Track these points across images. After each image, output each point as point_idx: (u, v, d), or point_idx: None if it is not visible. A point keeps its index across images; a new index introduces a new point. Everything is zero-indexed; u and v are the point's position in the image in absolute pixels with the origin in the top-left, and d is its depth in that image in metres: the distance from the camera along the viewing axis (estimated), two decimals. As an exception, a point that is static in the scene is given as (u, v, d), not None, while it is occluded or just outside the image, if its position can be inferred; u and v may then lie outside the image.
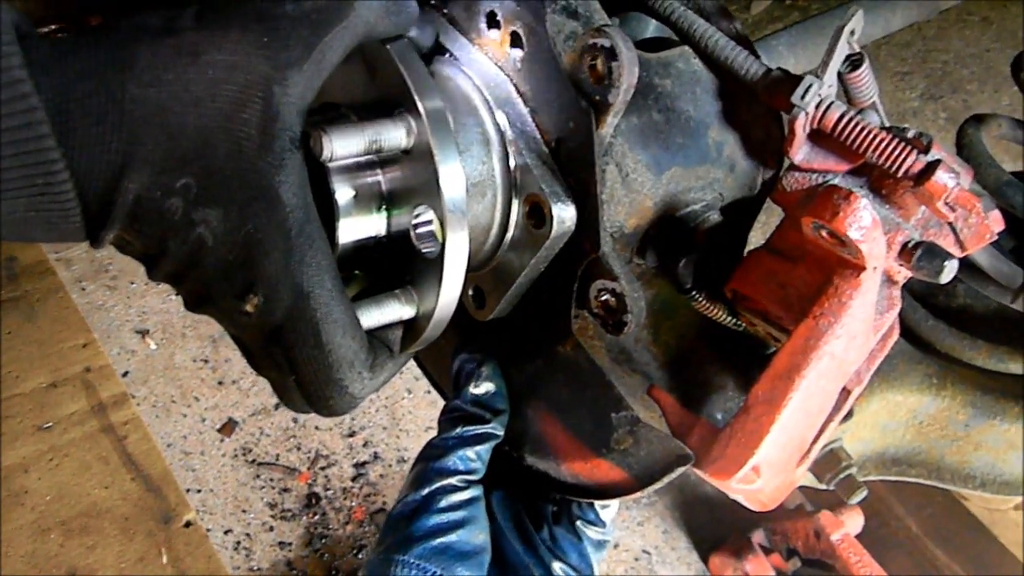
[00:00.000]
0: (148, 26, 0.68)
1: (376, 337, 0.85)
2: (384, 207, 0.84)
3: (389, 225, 0.85)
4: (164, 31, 0.68)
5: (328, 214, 0.80)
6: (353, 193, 0.82)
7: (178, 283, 0.75)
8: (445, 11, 0.91)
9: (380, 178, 0.84)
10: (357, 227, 0.83)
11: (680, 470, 0.88)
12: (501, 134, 0.88)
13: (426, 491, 0.93)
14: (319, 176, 0.79)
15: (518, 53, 0.85)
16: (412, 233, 0.82)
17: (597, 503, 1.07)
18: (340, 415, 0.84)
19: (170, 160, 0.67)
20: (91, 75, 0.64)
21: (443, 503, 0.93)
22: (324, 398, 0.80)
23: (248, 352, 0.82)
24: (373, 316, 0.83)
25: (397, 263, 0.86)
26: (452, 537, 0.91)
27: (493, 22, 0.86)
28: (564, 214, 0.85)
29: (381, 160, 0.83)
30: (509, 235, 0.90)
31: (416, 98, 0.78)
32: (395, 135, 0.79)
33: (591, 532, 1.06)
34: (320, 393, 0.80)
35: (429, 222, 0.81)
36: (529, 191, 0.87)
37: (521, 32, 0.84)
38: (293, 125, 0.71)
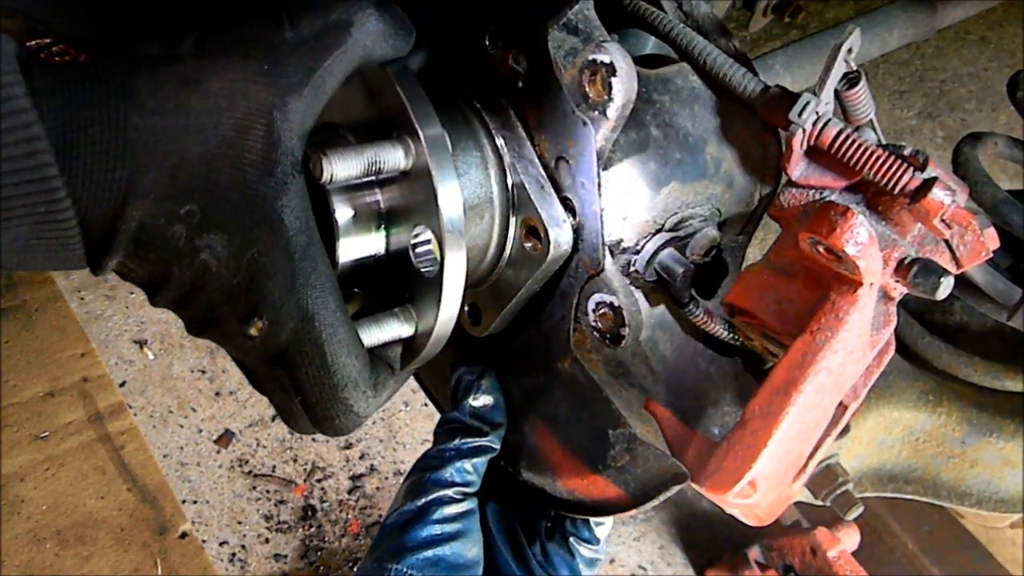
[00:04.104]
0: (149, 55, 0.69)
1: (376, 355, 0.85)
2: (383, 226, 0.85)
3: (388, 244, 0.85)
4: (165, 59, 0.69)
5: (328, 234, 0.80)
6: (352, 213, 0.82)
7: (181, 308, 0.76)
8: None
9: (379, 198, 0.84)
10: (357, 246, 0.83)
11: (676, 488, 0.88)
12: (499, 157, 0.88)
13: (421, 502, 0.93)
14: (319, 196, 0.79)
15: (520, 70, 0.86)
16: (411, 253, 0.83)
17: (591, 520, 1.07)
18: (345, 434, 0.84)
19: (174, 187, 0.68)
20: (94, 104, 0.65)
21: (438, 515, 0.93)
22: (330, 418, 0.81)
23: (251, 375, 0.82)
24: (372, 335, 0.84)
25: (396, 282, 0.87)
26: (446, 549, 0.91)
27: (495, 40, 0.87)
28: (561, 237, 0.86)
29: (380, 180, 0.84)
30: (507, 253, 0.91)
31: (415, 121, 0.79)
32: (394, 157, 0.80)
33: (584, 549, 1.07)
34: (326, 413, 0.80)
35: (428, 242, 0.82)
36: (526, 213, 0.87)
37: (523, 50, 0.85)
38: (294, 150, 0.72)
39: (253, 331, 0.74)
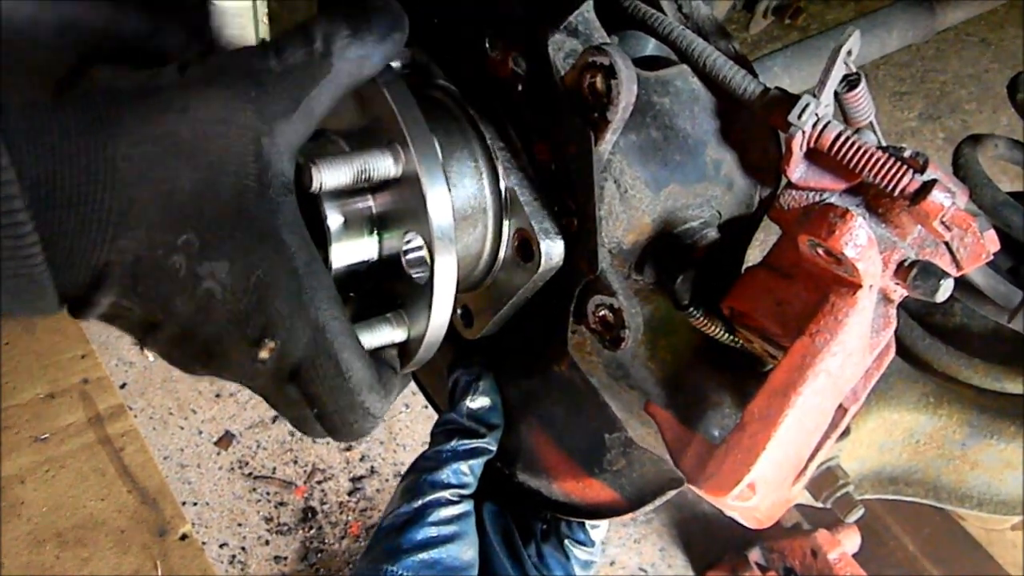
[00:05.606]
0: (130, 85, 0.68)
1: (376, 357, 0.85)
2: (375, 231, 0.85)
3: (380, 248, 0.85)
4: (148, 89, 0.68)
5: (320, 240, 0.80)
6: (343, 219, 0.82)
7: (180, 346, 0.74)
8: (447, 31, 0.91)
9: (371, 203, 0.84)
10: (349, 252, 0.84)
11: (671, 493, 0.88)
12: (493, 165, 0.88)
13: (418, 503, 0.93)
14: (310, 202, 0.79)
15: (520, 72, 0.86)
16: (402, 259, 0.83)
17: (587, 522, 1.07)
18: (363, 437, 0.84)
19: (168, 217, 0.67)
20: (78, 135, 0.63)
21: (434, 517, 0.93)
22: (348, 423, 0.80)
23: (261, 395, 0.81)
24: (366, 340, 0.84)
25: (389, 286, 0.87)
26: (441, 552, 0.91)
27: (495, 42, 0.87)
28: (552, 251, 0.86)
29: (372, 186, 0.84)
30: (501, 257, 0.91)
31: (404, 129, 0.79)
32: (384, 164, 0.80)
33: (579, 552, 1.07)
34: (344, 419, 0.80)
35: (418, 248, 0.82)
36: (520, 222, 0.87)
37: (523, 51, 0.85)
38: (285, 171, 0.72)
39: (264, 353, 0.73)
